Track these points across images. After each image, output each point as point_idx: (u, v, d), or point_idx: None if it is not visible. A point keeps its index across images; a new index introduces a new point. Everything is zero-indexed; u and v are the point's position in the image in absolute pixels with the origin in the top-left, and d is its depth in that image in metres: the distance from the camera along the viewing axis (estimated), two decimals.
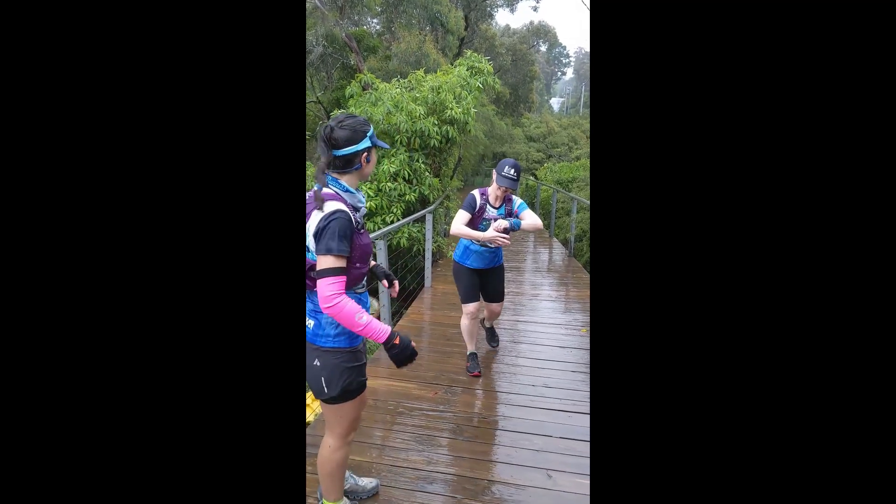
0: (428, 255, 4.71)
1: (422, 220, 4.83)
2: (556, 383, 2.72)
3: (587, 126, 21.46)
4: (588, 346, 3.37)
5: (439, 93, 5.50)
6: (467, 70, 6.31)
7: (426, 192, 5.21)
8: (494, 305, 2.78)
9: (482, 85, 6.33)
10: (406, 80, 6.03)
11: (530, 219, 2.48)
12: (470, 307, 2.73)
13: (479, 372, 2.82)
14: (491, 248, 2.59)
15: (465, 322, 2.80)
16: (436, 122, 5.41)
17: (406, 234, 4.92)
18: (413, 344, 1.34)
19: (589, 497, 1.79)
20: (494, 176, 2.45)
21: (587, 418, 2.36)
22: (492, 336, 3.19)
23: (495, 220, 2.47)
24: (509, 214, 2.54)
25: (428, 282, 4.73)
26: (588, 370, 2.92)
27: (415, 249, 4.96)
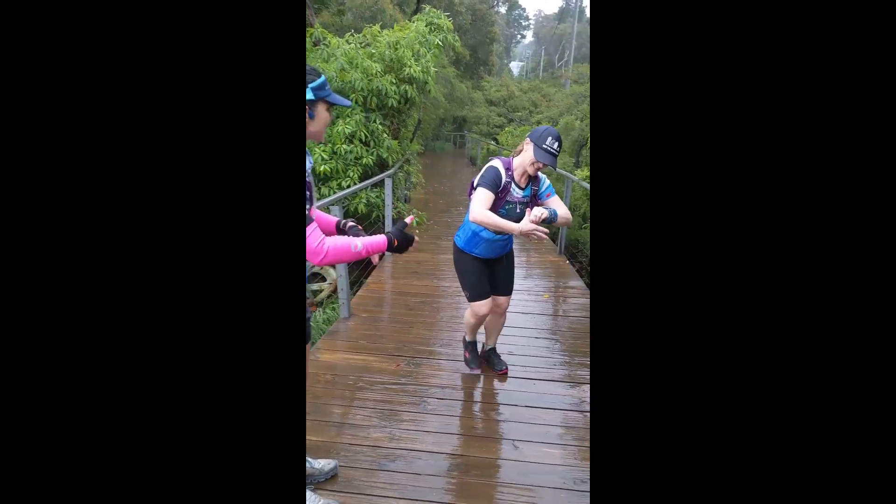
0: (388, 221, 4.53)
1: (380, 184, 4.62)
2: (521, 350, 2.68)
3: (547, 90, 21.34)
4: (551, 312, 3.35)
5: (397, 49, 5.16)
6: (426, 26, 5.96)
7: (385, 155, 4.94)
8: (502, 299, 2.23)
9: (442, 42, 6.01)
10: (361, 35, 5.64)
11: (562, 209, 1.88)
12: (481, 307, 2.11)
13: (480, 369, 2.40)
14: (505, 235, 2.03)
15: (469, 320, 2.23)
16: (393, 81, 5.10)
17: (364, 200, 4.69)
18: (408, 233, 1.35)
19: (555, 466, 1.76)
20: (529, 147, 1.84)
21: (551, 385, 2.33)
22: (497, 361, 2.46)
23: (521, 203, 1.94)
24: (534, 198, 1.97)
25: None
26: (552, 336, 2.89)
27: (374, 216, 4.75)
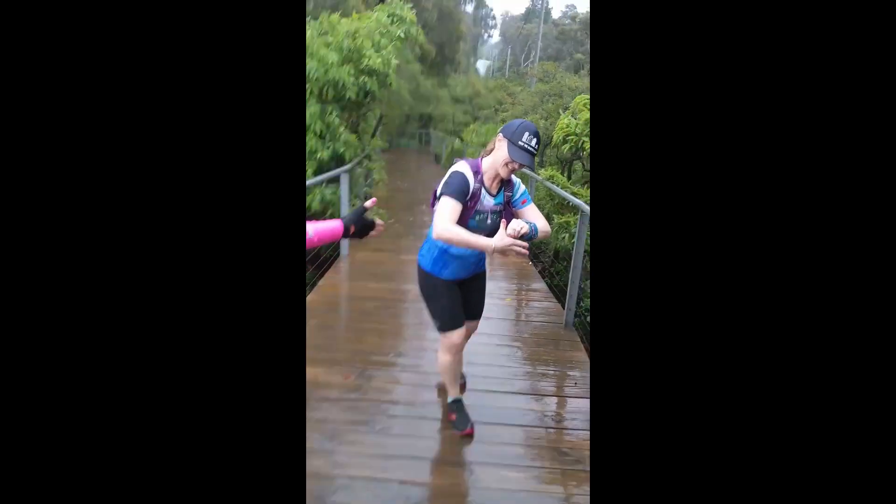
0: None
1: (336, 180, 4.37)
2: (480, 359, 2.52)
3: (513, 89, 21.39)
4: (513, 317, 3.22)
5: (355, 39, 4.92)
6: (388, 17, 5.73)
7: (341, 150, 4.69)
8: (474, 323, 1.97)
9: (404, 35, 5.79)
10: (318, 23, 5.35)
11: (541, 222, 1.61)
12: (453, 337, 1.78)
13: (472, 428, 1.92)
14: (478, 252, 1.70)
15: (444, 359, 1.86)
16: (352, 72, 4.86)
17: (318, 197, 4.43)
18: (368, 217, 1.16)
19: (514, 493, 1.61)
20: (502, 145, 1.54)
21: (512, 398, 2.19)
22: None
23: (493, 212, 1.64)
24: (508, 205, 1.67)
25: (345, 249, 4.34)
26: (513, 343, 2.75)
27: (328, 214, 4.50)
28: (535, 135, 1.52)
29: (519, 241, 1.42)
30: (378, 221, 1.19)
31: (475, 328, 2.01)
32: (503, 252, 1.43)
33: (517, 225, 1.43)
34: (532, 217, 1.63)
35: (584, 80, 8.95)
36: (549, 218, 4.92)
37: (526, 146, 1.51)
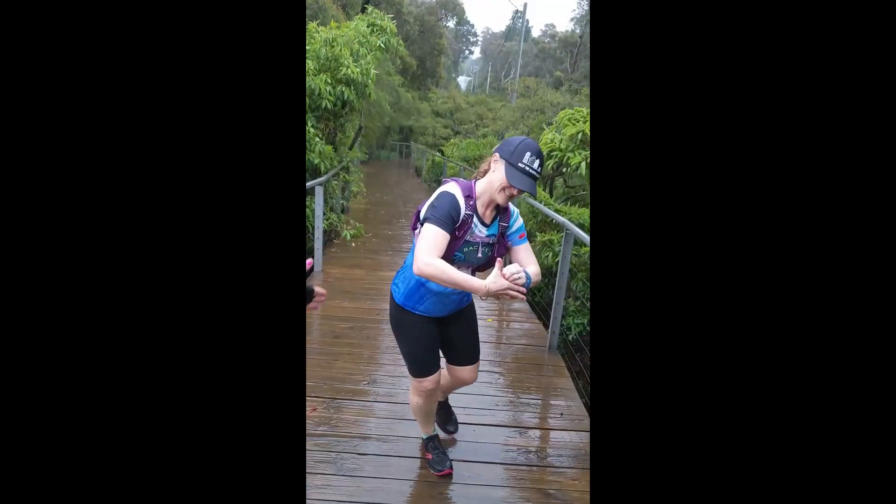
0: (318, 233, 4.10)
1: (310, 192, 4.18)
2: (462, 387, 2.35)
3: (493, 104, 21.58)
4: (494, 340, 3.07)
5: (333, 47, 4.77)
6: (368, 27, 5.62)
7: (316, 161, 4.50)
8: (465, 371, 1.66)
9: (384, 45, 5.69)
10: None
11: (535, 267, 1.41)
12: (426, 383, 1.55)
13: (451, 468, 1.73)
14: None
15: (416, 401, 1.63)
16: (329, 81, 4.70)
17: None
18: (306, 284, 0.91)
19: None
20: (499, 166, 1.34)
21: (493, 431, 2.02)
22: (448, 417, 1.97)
23: (484, 244, 1.42)
24: (502, 237, 1.45)
25: (319, 265, 4.15)
26: (494, 370, 2.60)
27: None
28: (538, 155, 1.30)
29: (515, 286, 1.21)
30: (318, 290, 0.94)
31: (470, 378, 1.68)
32: (499, 295, 1.21)
33: (515, 269, 1.23)
34: (525, 260, 1.44)
35: (565, 96, 9.01)
36: (531, 236, 4.83)
37: (527, 168, 1.29)
